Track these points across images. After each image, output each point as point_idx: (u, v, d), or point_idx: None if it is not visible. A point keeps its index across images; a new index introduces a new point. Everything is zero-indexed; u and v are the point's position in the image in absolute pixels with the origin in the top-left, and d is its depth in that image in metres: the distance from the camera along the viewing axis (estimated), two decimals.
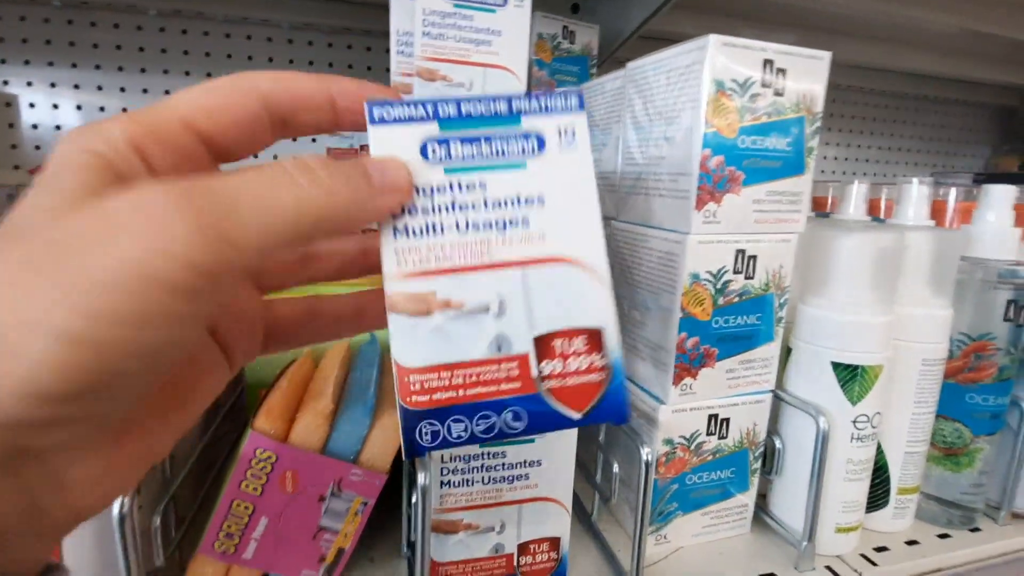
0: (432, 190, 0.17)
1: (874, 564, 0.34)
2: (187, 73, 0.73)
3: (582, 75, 0.55)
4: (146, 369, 0.12)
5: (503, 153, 0.18)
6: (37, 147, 0.71)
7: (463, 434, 0.17)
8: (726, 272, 0.31)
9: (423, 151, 0.17)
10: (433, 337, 0.17)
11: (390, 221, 0.16)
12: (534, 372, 0.17)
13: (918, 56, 0.84)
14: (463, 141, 0.17)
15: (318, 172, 0.13)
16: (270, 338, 0.18)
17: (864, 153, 0.99)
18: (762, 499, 0.37)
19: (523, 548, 0.30)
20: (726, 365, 0.32)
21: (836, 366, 0.32)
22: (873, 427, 0.33)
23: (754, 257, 0.31)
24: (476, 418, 0.17)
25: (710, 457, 0.34)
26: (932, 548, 0.36)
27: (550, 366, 0.18)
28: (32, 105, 0.69)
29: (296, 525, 0.27)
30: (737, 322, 0.32)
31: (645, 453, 0.29)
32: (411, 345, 0.17)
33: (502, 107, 0.17)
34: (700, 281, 0.31)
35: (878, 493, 0.36)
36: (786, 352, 0.35)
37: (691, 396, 0.32)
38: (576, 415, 0.18)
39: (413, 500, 0.28)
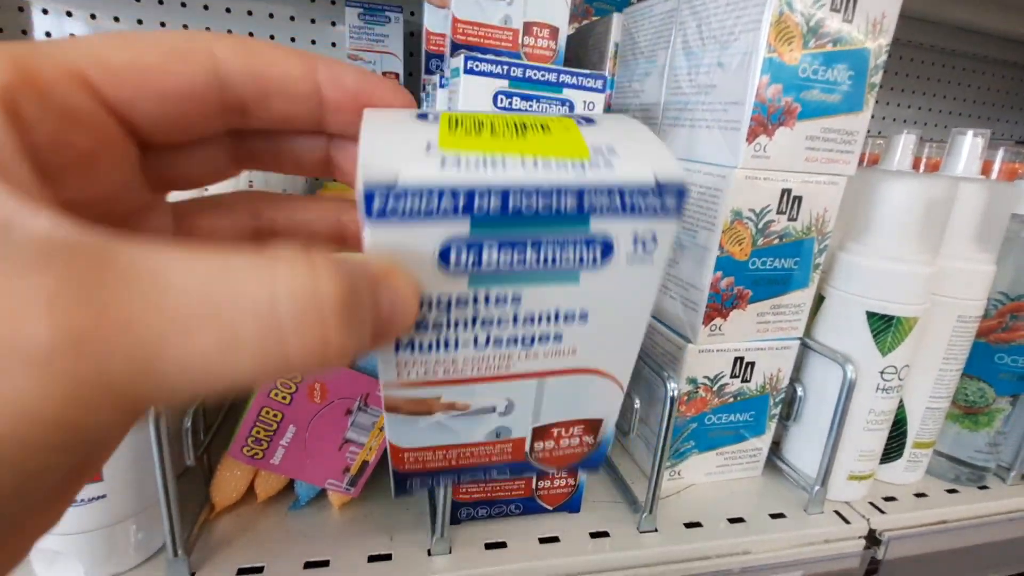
0: (449, 303, 0.13)
1: (881, 512, 0.35)
2: None
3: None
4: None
5: (553, 262, 0.12)
6: None
7: (450, 481, 0.18)
8: (769, 211, 0.30)
9: (444, 256, 0.11)
10: (432, 429, 0.16)
11: None
12: (526, 448, 0.17)
13: (970, 8, 0.78)
14: (501, 245, 0.12)
15: (329, 327, 0.08)
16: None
17: (903, 113, 0.94)
18: (775, 446, 0.37)
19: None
20: (757, 308, 0.32)
21: (871, 316, 0.32)
22: (900, 379, 0.33)
23: (799, 198, 0.30)
24: (464, 474, 0.18)
25: (731, 399, 0.34)
26: (939, 501, 0.37)
27: (542, 444, 0.17)
28: (45, 11, 0.66)
29: (323, 435, 0.27)
30: (774, 265, 0.31)
31: (671, 388, 0.29)
32: (408, 434, 0.16)
33: (568, 203, 0.11)
34: (742, 219, 0.29)
35: (893, 445, 0.36)
36: (817, 301, 0.34)
37: (719, 337, 0.32)
38: (554, 470, 0.19)
39: None
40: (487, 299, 0.13)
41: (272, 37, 0.73)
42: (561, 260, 0.12)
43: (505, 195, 0.10)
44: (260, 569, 0.26)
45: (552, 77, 0.28)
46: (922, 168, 0.56)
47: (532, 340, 0.14)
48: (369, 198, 0.09)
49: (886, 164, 0.45)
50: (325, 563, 0.27)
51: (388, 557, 0.27)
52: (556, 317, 0.14)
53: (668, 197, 0.11)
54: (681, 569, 0.30)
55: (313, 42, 0.74)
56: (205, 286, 0.07)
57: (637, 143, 0.11)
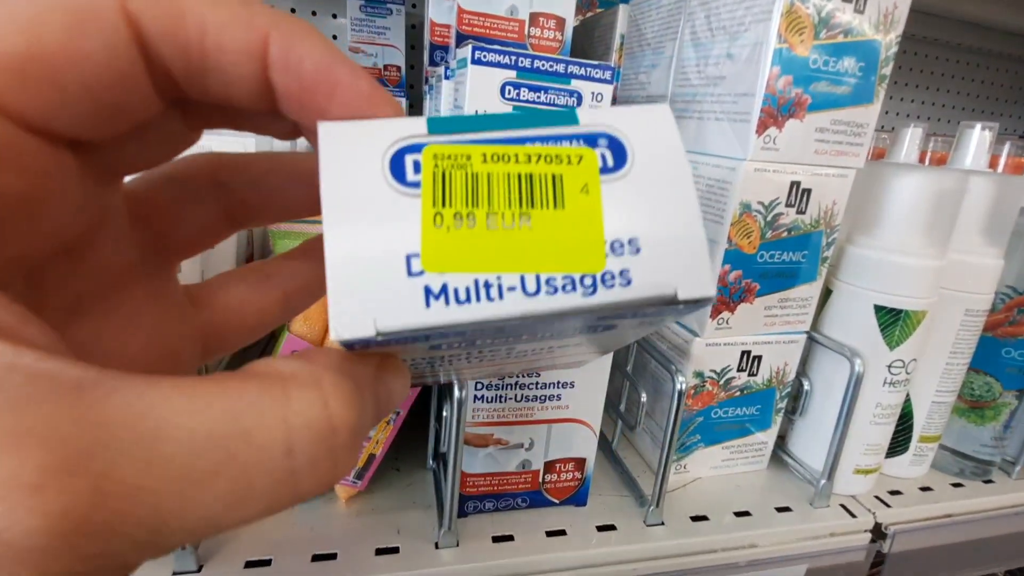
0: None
1: (887, 506, 0.35)
2: None
3: None
4: None
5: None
6: None
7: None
8: (778, 204, 0.30)
9: (436, 347, 0.11)
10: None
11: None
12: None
13: (977, 2, 0.78)
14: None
15: (341, 455, 0.08)
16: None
17: (909, 107, 0.94)
18: (780, 440, 0.37)
19: (549, 466, 0.30)
20: (765, 302, 0.32)
21: (879, 309, 0.32)
22: (907, 373, 0.33)
23: (808, 191, 0.30)
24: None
25: (738, 393, 0.34)
26: (944, 495, 0.37)
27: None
28: None
29: None
30: (782, 258, 0.31)
31: (679, 382, 0.28)
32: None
33: (572, 324, 0.10)
34: (751, 212, 0.29)
35: (899, 439, 0.36)
36: (824, 296, 0.34)
37: (727, 331, 0.32)
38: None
39: (445, 414, 0.28)
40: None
41: None
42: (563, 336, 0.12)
43: (500, 329, 0.09)
44: (268, 562, 0.26)
45: (560, 68, 0.28)
46: (927, 162, 0.55)
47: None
48: (348, 346, 0.09)
49: (892, 158, 0.45)
50: (333, 556, 0.27)
51: (396, 550, 0.27)
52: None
53: (686, 308, 0.10)
54: (688, 562, 0.30)
55: None
56: (214, 430, 0.07)
57: (670, 223, 0.09)
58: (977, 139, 0.38)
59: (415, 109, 0.77)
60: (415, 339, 0.09)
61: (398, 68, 0.70)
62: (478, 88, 0.27)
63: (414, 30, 0.74)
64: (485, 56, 0.27)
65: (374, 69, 0.69)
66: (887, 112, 0.93)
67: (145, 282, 0.11)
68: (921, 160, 0.55)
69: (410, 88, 0.72)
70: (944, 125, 0.97)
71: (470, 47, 0.27)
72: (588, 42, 0.45)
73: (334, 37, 0.74)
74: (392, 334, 0.08)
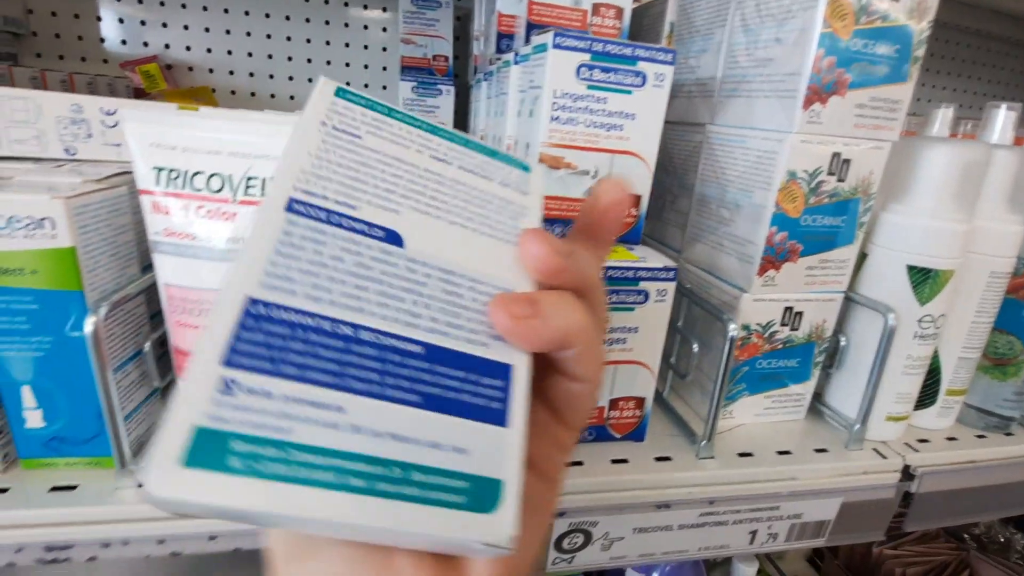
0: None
1: (915, 451, 0.38)
2: None
3: None
4: None
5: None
6: (124, 41, 0.73)
7: None
8: (821, 172, 0.33)
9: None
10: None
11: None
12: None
13: None
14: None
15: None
16: None
17: (939, 95, 0.96)
18: (816, 395, 0.41)
19: (613, 403, 0.34)
20: (807, 262, 0.35)
21: (911, 269, 0.35)
22: (936, 328, 0.36)
23: (848, 161, 0.33)
24: None
25: (780, 346, 0.37)
26: (969, 444, 0.40)
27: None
28: None
29: None
30: (824, 222, 0.34)
31: (732, 329, 0.32)
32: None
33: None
34: (796, 179, 0.33)
35: (928, 392, 0.40)
36: (859, 260, 0.38)
37: (772, 287, 0.35)
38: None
39: None
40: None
41: (327, 22, 0.77)
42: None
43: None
44: None
45: (628, 51, 0.32)
46: None
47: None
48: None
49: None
50: None
51: None
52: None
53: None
54: (736, 490, 0.34)
55: (365, 27, 0.78)
56: None
57: None
58: (1003, 118, 0.41)
59: (460, 98, 0.81)
60: None
61: (446, 58, 0.74)
62: (557, 68, 0.31)
63: (459, 22, 0.78)
64: (564, 41, 0.31)
65: (424, 59, 0.73)
66: (919, 99, 0.95)
67: None
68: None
69: (456, 77, 0.76)
70: (976, 112, 0.98)
71: (552, 33, 0.31)
72: (638, 30, 0.48)
73: (383, 30, 0.78)
74: None
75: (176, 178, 0.25)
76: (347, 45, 0.78)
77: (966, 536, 0.74)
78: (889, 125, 0.33)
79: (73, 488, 0.27)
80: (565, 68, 0.31)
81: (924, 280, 0.35)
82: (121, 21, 0.72)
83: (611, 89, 0.32)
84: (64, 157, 0.34)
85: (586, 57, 0.32)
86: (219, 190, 0.25)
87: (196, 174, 0.25)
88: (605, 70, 0.32)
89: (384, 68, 0.80)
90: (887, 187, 0.36)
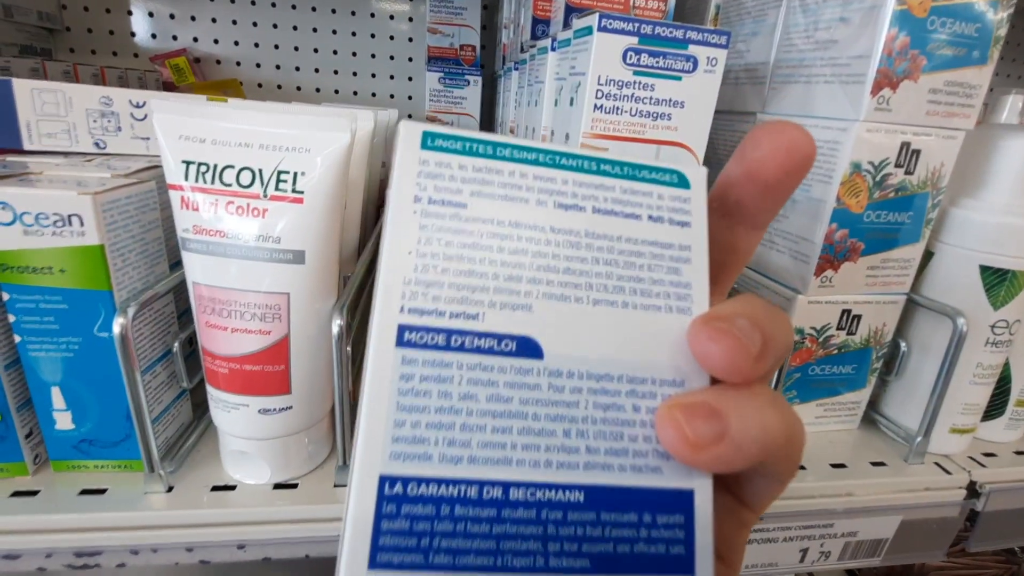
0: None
1: (982, 466, 0.35)
2: None
3: None
4: None
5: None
6: (153, 35, 0.73)
7: None
8: (888, 164, 0.31)
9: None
10: None
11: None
12: None
13: None
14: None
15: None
16: None
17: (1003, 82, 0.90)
18: (870, 403, 0.38)
19: None
20: (868, 261, 0.33)
21: (984, 270, 0.32)
22: (1011, 334, 0.33)
23: (918, 152, 0.31)
24: None
25: (835, 351, 0.35)
26: None
27: None
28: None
29: None
30: (888, 219, 0.32)
31: None
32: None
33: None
34: (860, 172, 0.30)
35: (996, 403, 0.37)
36: (925, 259, 0.35)
37: (829, 289, 0.33)
38: None
39: None
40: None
41: (353, 12, 0.76)
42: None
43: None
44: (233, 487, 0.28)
45: (679, 34, 0.30)
46: None
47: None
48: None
49: (995, 119, 0.44)
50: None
51: None
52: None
53: None
54: (788, 506, 0.32)
55: (391, 17, 0.77)
56: None
57: None
58: None
59: (487, 89, 0.79)
60: None
61: (473, 48, 0.72)
62: (603, 53, 0.29)
63: (486, 11, 0.76)
64: (611, 24, 0.29)
65: (451, 49, 0.71)
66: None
67: None
68: None
69: (482, 67, 0.74)
70: None
71: (596, 15, 0.29)
72: (680, 13, 0.46)
73: (409, 19, 0.77)
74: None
75: (205, 172, 0.24)
76: (372, 36, 0.77)
77: (1017, 549, 0.70)
78: (964, 112, 0.31)
79: (103, 492, 0.27)
80: (611, 53, 0.29)
81: (999, 282, 0.32)
82: (151, 15, 0.72)
83: (659, 75, 0.30)
84: (94, 151, 0.33)
85: (633, 41, 0.29)
86: (249, 185, 0.24)
87: (226, 168, 0.24)
88: (654, 55, 0.30)
89: (410, 59, 0.78)
90: (957, 180, 0.34)
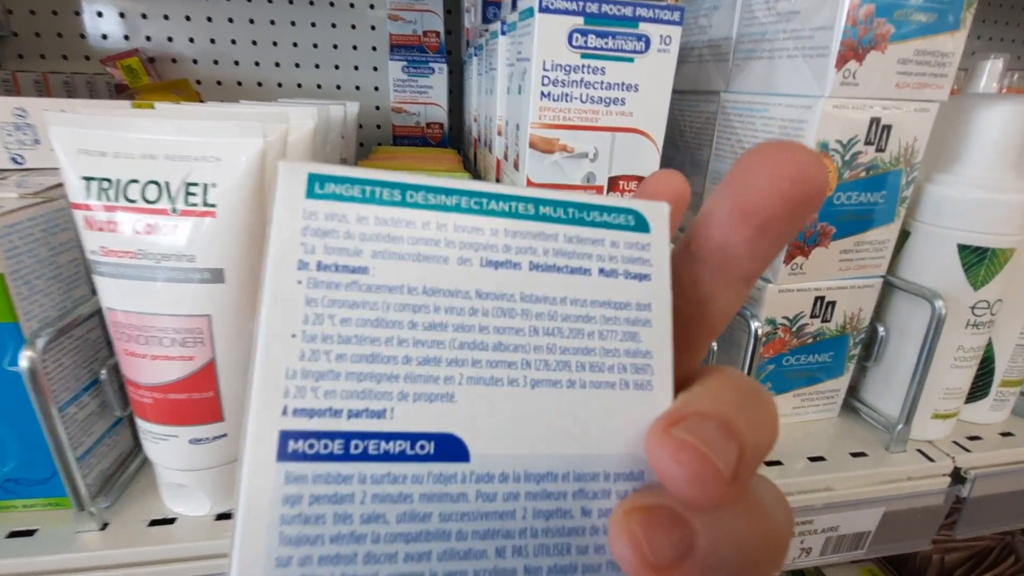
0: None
1: (966, 451, 0.34)
2: None
3: None
4: None
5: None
6: (104, 36, 0.70)
7: None
8: (857, 142, 0.29)
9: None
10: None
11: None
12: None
13: None
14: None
15: None
16: None
17: (984, 45, 0.88)
18: (851, 389, 0.37)
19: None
20: (841, 245, 0.31)
21: (963, 248, 0.31)
22: (992, 314, 0.32)
23: (889, 127, 0.29)
24: None
25: (810, 340, 0.33)
26: None
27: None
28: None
29: None
30: (860, 199, 0.30)
31: (755, 327, 0.28)
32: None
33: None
34: (828, 151, 0.28)
35: (979, 384, 0.35)
36: (901, 239, 0.33)
37: (800, 276, 0.31)
38: None
39: None
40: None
41: (311, 2, 0.73)
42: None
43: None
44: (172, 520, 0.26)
45: (628, 11, 0.27)
46: None
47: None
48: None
49: (972, 88, 0.42)
50: None
51: None
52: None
53: None
54: None
55: (351, 5, 0.74)
56: None
57: None
58: None
59: (455, 76, 0.76)
60: None
61: (437, 34, 0.69)
62: (547, 36, 0.27)
63: None
64: (553, 3, 0.27)
65: (414, 36, 0.69)
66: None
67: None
68: None
69: (448, 54, 0.71)
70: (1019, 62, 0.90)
71: None
72: None
73: (371, 7, 0.74)
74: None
75: (108, 188, 0.22)
76: (333, 26, 0.74)
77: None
78: (937, 83, 0.29)
79: (32, 533, 0.25)
80: (555, 35, 0.27)
81: (979, 261, 0.30)
82: (99, 15, 0.69)
83: (610, 57, 0.28)
84: (12, 167, 0.31)
85: (579, 21, 0.27)
86: (156, 200, 0.22)
87: (130, 182, 0.22)
88: (602, 35, 0.28)
89: (374, 48, 0.75)
90: (932, 155, 0.32)
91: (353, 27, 0.74)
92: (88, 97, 0.63)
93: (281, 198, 0.10)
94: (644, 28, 0.28)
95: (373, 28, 0.74)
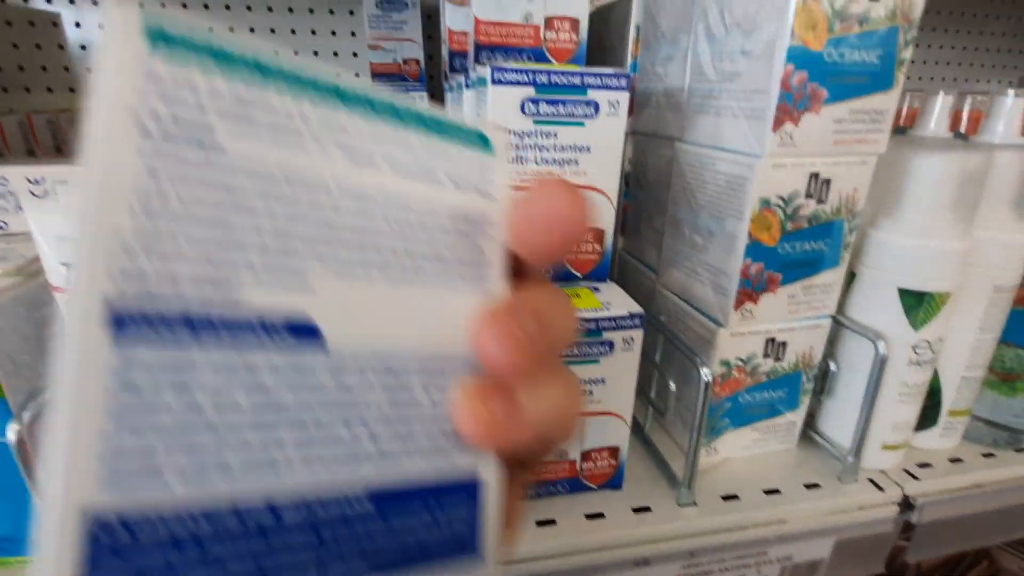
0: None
1: (916, 479, 0.36)
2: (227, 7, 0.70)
3: None
4: None
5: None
6: (88, 69, 0.71)
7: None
8: (797, 196, 0.30)
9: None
10: None
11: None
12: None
13: None
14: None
15: None
16: None
17: (943, 55, 0.89)
18: (809, 418, 0.38)
19: (586, 455, 0.32)
20: (788, 290, 0.33)
21: (903, 292, 0.32)
22: (932, 352, 0.33)
23: (828, 181, 0.30)
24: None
25: (764, 378, 0.35)
26: (975, 465, 0.37)
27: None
28: (78, 24, 0.69)
29: None
30: (804, 248, 0.32)
31: (704, 374, 0.30)
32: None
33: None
34: (770, 207, 0.30)
35: (928, 414, 0.37)
36: (849, 277, 0.35)
37: (751, 320, 0.33)
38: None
39: None
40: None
41: (293, 31, 0.74)
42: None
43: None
44: None
45: (576, 80, 0.29)
46: (964, 122, 0.53)
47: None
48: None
49: (922, 128, 0.44)
50: None
51: None
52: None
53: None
54: (720, 539, 0.32)
55: (333, 33, 0.75)
56: None
57: None
58: (1010, 107, 0.37)
59: (436, 99, 0.77)
60: None
61: (417, 62, 0.70)
62: (500, 106, 0.29)
63: (430, 20, 0.74)
64: (504, 76, 0.28)
65: (394, 65, 0.70)
66: (924, 61, 0.89)
67: None
68: (955, 120, 0.53)
69: (430, 79, 0.72)
70: (988, 71, 0.92)
71: (489, 68, 0.28)
72: (604, 31, 0.45)
73: (352, 34, 0.75)
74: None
75: None
76: (316, 54, 0.75)
77: None
78: (874, 138, 0.30)
79: None
80: (508, 105, 0.29)
81: (918, 304, 0.32)
82: (83, 48, 0.70)
83: (561, 123, 0.30)
84: None
85: (530, 91, 0.29)
86: None
87: None
88: (552, 103, 0.29)
89: (357, 75, 0.76)
90: (876, 200, 0.33)
91: (335, 55, 0.75)
92: (73, 135, 0.65)
93: (114, 48, 0.08)
94: (592, 95, 0.29)
95: (355, 55, 0.76)
